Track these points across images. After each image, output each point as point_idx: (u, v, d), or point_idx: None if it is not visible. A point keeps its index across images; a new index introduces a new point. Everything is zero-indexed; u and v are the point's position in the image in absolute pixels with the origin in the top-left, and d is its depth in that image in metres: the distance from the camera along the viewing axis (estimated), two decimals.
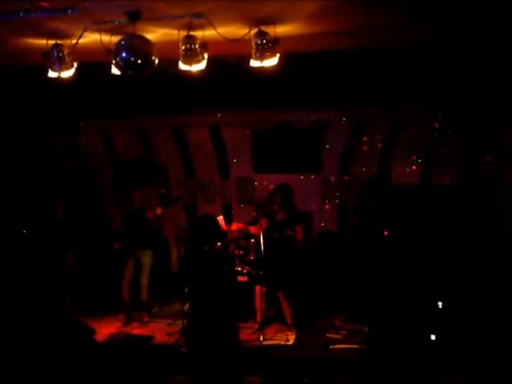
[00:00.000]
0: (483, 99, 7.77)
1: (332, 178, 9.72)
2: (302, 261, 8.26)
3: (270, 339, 7.35)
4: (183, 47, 5.40)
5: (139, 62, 5.14)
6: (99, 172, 10.07)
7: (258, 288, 7.67)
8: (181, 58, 5.48)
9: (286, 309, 7.68)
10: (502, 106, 7.64)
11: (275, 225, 7.65)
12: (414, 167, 9.39)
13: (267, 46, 5.35)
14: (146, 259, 8.33)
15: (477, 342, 6.07)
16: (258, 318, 7.70)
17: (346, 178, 9.61)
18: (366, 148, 9.50)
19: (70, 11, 4.81)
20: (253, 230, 7.91)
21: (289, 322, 7.70)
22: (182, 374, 6.00)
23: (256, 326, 7.64)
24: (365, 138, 9.47)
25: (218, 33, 5.31)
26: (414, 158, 9.38)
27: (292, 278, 7.67)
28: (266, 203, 7.84)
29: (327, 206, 9.71)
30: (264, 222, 7.68)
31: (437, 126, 8.94)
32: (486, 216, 7.34)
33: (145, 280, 8.34)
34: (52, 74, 5.76)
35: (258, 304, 7.67)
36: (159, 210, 8.34)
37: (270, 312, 7.91)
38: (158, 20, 5.22)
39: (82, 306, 8.11)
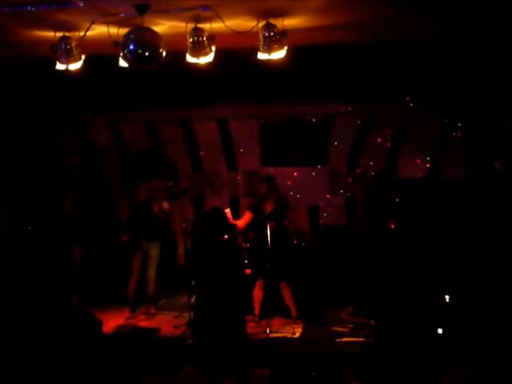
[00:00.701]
0: (485, 93, 7.73)
1: (340, 172, 9.71)
2: (308, 254, 8.28)
3: (277, 332, 7.36)
4: (191, 40, 5.40)
5: (147, 54, 5.14)
6: (107, 165, 10.09)
7: (259, 282, 7.68)
8: (188, 50, 5.49)
9: (290, 300, 7.67)
10: (503, 99, 7.59)
11: (265, 217, 7.63)
12: (421, 162, 9.36)
13: (275, 39, 5.34)
14: (153, 251, 8.37)
15: (484, 337, 6.05)
16: (257, 311, 7.70)
17: (356, 171, 9.58)
18: (373, 142, 9.47)
19: (78, 3, 4.81)
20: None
21: (294, 314, 7.70)
22: (188, 366, 6.03)
23: (256, 319, 7.65)
24: (373, 132, 9.45)
25: (226, 25, 5.30)
26: (422, 152, 9.35)
27: (296, 270, 7.68)
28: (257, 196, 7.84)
29: (334, 200, 9.69)
30: (249, 215, 7.69)
31: (445, 120, 8.92)
32: (493, 211, 7.31)
33: (152, 272, 8.36)
34: (60, 66, 5.77)
35: (257, 298, 7.69)
36: (166, 205, 8.36)
37: (269, 308, 7.85)
38: (166, 12, 5.21)
39: (89, 298, 8.15)
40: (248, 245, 8.23)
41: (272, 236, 7.39)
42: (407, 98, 8.45)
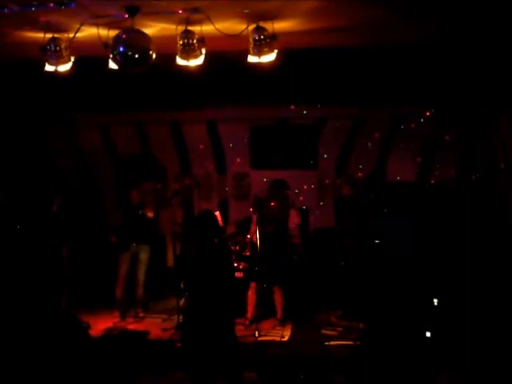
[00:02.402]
0: (482, 95, 7.76)
1: (329, 175, 9.73)
2: (298, 257, 8.27)
3: (266, 335, 7.36)
4: (181, 42, 5.39)
5: (137, 56, 5.13)
6: (97, 167, 10.05)
7: (253, 284, 7.68)
8: (178, 52, 5.48)
9: (279, 302, 7.71)
10: (501, 100, 7.62)
11: (268, 218, 7.64)
12: (411, 165, 9.40)
13: (265, 42, 5.35)
14: (143, 254, 8.30)
15: (473, 339, 6.08)
16: (249, 314, 7.70)
17: (343, 175, 9.60)
18: (363, 146, 9.51)
19: (68, 4, 4.79)
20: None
21: (279, 316, 7.74)
22: (177, 369, 6.01)
23: (247, 322, 7.65)
24: (362, 136, 9.48)
25: (216, 28, 5.30)
26: (412, 156, 9.39)
27: (288, 273, 7.68)
28: (265, 200, 7.87)
29: (324, 203, 9.71)
30: (255, 217, 7.71)
31: (435, 124, 8.97)
32: (484, 214, 7.34)
33: (141, 276, 8.31)
34: (49, 67, 5.74)
35: (252, 300, 7.69)
36: (150, 214, 8.30)
37: (259, 311, 7.83)
38: (156, 14, 5.20)
39: (78, 300, 8.10)
40: (237, 247, 8.25)
41: (268, 239, 7.44)
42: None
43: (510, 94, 7.35)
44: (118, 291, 8.25)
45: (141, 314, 8.32)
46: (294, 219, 7.95)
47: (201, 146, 9.88)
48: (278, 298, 7.71)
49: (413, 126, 9.07)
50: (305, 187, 9.60)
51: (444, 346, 6.21)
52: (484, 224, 7.39)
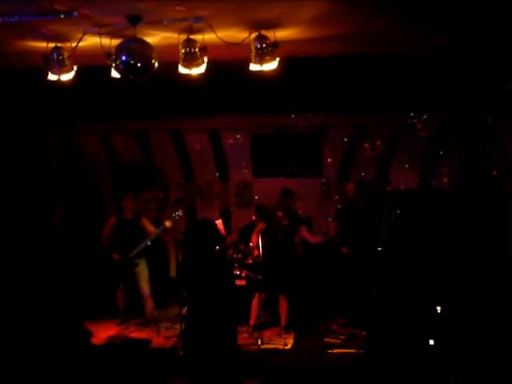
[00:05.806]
0: (483, 104, 7.78)
1: (332, 183, 9.74)
2: (301, 265, 8.27)
3: (268, 343, 7.35)
4: (183, 51, 5.40)
5: (139, 65, 5.14)
6: (98, 177, 10.06)
7: (257, 293, 7.66)
8: (180, 61, 5.49)
9: (284, 311, 7.71)
10: (501, 105, 7.63)
11: (279, 228, 7.68)
12: (413, 172, 9.40)
13: (267, 50, 5.35)
14: (140, 266, 8.12)
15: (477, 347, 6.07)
16: (252, 322, 7.69)
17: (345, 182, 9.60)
18: (365, 153, 9.52)
19: (69, 14, 4.82)
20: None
21: (283, 324, 7.73)
22: (180, 377, 6.00)
23: (249, 331, 7.65)
24: (365, 143, 9.49)
25: (218, 37, 5.32)
26: (413, 163, 9.40)
27: (291, 282, 7.68)
28: (271, 209, 7.91)
29: (327, 211, 9.70)
30: (261, 225, 7.72)
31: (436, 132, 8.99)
32: (486, 221, 7.34)
33: (146, 288, 8.13)
34: (52, 76, 5.75)
35: (255, 309, 7.67)
36: (168, 223, 7.83)
37: (263, 319, 7.81)
38: (159, 23, 5.22)
39: (81, 308, 8.07)
40: (240, 255, 8.25)
41: (277, 248, 7.52)
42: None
43: (509, 99, 7.37)
44: (119, 300, 8.24)
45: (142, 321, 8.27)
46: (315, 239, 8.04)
47: (202, 154, 9.89)
48: (282, 306, 7.71)
49: (414, 133, 9.09)
50: (307, 195, 9.60)
51: (447, 354, 6.19)
52: (486, 230, 7.40)
